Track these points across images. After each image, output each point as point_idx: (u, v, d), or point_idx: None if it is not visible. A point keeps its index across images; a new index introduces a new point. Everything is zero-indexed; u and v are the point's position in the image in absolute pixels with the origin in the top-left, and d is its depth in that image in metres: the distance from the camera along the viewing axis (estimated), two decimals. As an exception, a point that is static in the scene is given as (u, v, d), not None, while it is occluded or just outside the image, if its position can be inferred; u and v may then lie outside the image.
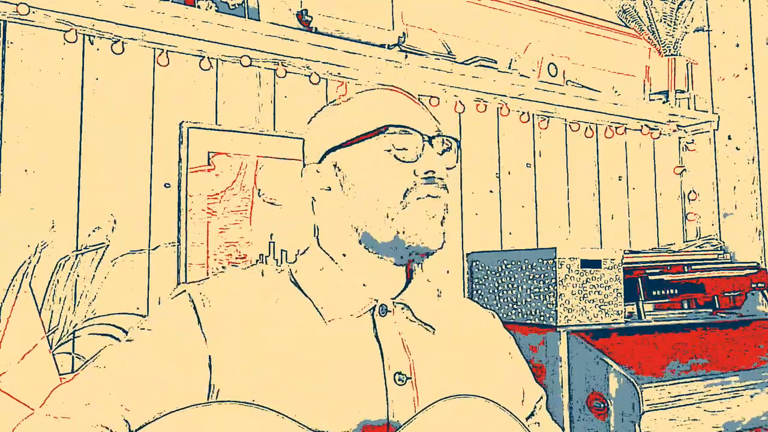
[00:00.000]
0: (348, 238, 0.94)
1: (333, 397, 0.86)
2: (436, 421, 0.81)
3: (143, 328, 0.90)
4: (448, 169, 0.96)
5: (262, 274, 0.96)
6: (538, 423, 1.06)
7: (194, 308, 0.89)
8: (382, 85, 1.04)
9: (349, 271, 0.95)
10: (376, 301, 0.94)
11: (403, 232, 0.91)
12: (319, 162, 0.96)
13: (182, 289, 0.92)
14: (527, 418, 1.04)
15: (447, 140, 0.96)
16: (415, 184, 0.91)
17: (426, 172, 0.91)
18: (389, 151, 0.92)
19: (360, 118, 0.95)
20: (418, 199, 0.91)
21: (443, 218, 0.94)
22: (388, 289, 0.96)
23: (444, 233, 0.94)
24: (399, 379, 0.89)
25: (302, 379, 0.87)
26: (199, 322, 0.88)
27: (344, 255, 0.95)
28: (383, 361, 0.90)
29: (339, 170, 0.94)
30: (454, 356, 0.97)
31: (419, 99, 1.02)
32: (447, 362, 0.96)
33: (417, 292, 0.98)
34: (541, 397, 1.08)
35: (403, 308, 0.95)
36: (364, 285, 0.94)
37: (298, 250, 1.03)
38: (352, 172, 0.93)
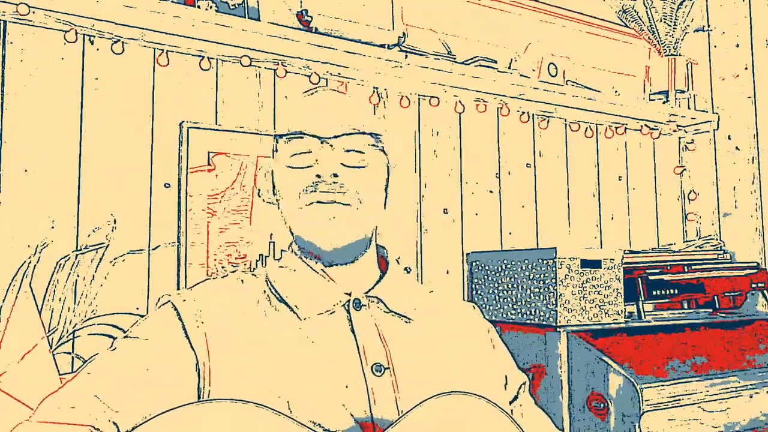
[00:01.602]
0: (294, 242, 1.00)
1: (315, 393, 0.88)
2: (425, 419, 0.81)
3: (129, 336, 0.91)
4: (355, 167, 0.95)
5: (242, 282, 0.99)
6: (522, 405, 1.07)
7: (179, 316, 0.91)
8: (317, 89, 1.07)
9: (318, 269, 0.98)
10: (350, 295, 0.97)
11: (303, 233, 0.97)
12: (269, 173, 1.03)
13: (166, 299, 0.94)
14: (511, 402, 1.06)
15: (352, 139, 0.96)
16: (305, 189, 0.94)
17: (316, 176, 0.93)
18: (284, 158, 0.97)
19: (277, 128, 1.02)
20: (308, 204, 0.94)
21: (375, 228, 0.98)
22: (362, 283, 0.98)
23: (345, 236, 0.95)
24: (376, 370, 0.91)
25: (286, 379, 0.88)
26: (184, 329, 0.90)
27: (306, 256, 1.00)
28: (359, 353, 0.92)
29: (272, 178, 1.01)
30: (431, 344, 0.99)
31: (342, 93, 1.04)
32: (424, 351, 0.98)
33: (391, 285, 1.00)
34: (524, 382, 1.10)
35: (377, 302, 0.98)
36: (334, 281, 0.97)
37: (281, 254, 1.06)
38: (275, 180, 1.01)
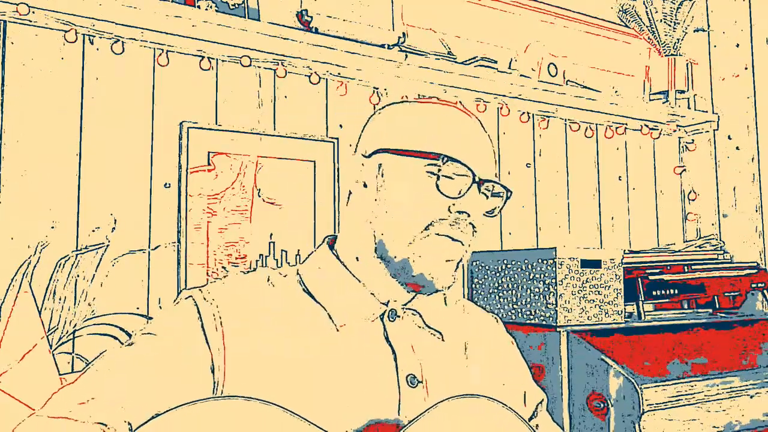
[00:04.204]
0: (365, 241, 0.94)
1: (345, 400, 0.87)
2: (441, 420, 0.81)
3: (146, 333, 0.89)
4: (487, 215, 0.95)
5: (268, 279, 0.95)
6: (538, 425, 1.07)
7: (198, 313, 0.88)
8: (443, 101, 1.02)
9: (361, 277, 0.95)
10: (386, 305, 0.95)
11: (415, 260, 0.91)
12: (368, 156, 0.95)
13: (187, 294, 0.92)
14: (529, 420, 1.06)
15: (496, 187, 0.95)
16: (443, 220, 0.90)
17: (459, 213, 0.90)
18: (434, 176, 0.90)
19: (422, 133, 0.94)
20: (438, 235, 0.90)
21: (460, 262, 0.94)
22: (399, 296, 0.96)
23: (454, 276, 0.93)
24: (411, 382, 0.90)
25: (313, 384, 0.87)
26: (202, 327, 0.88)
27: (357, 259, 0.95)
28: (396, 363, 0.91)
29: (381, 173, 0.93)
30: (460, 361, 0.99)
31: (488, 133, 0.99)
32: (454, 366, 0.97)
33: (426, 300, 0.99)
34: (542, 400, 1.09)
35: (413, 314, 0.96)
36: (373, 294, 0.95)
37: (297, 253, 1.03)
38: (391, 180, 0.93)
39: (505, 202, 0.96)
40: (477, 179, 0.91)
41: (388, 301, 0.95)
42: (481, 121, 0.99)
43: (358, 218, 0.95)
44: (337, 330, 0.91)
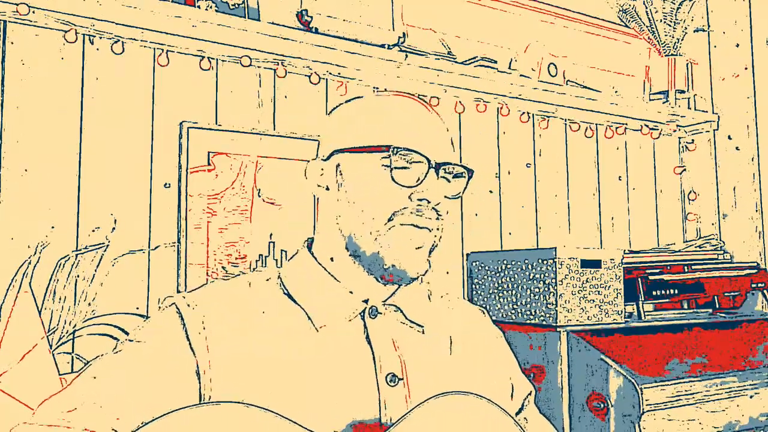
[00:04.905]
0: (337, 241, 0.95)
1: (325, 401, 0.87)
2: (427, 419, 0.81)
3: (132, 340, 0.90)
4: (451, 197, 0.95)
5: (250, 285, 0.96)
6: (527, 418, 1.07)
7: (181, 319, 0.89)
8: (398, 92, 1.02)
9: (338, 276, 0.95)
10: (366, 303, 0.95)
11: (385, 253, 0.91)
12: (327, 159, 0.96)
13: (170, 300, 0.92)
14: (516, 413, 1.06)
15: (455, 169, 0.95)
16: (405, 209, 0.90)
17: (420, 201, 0.90)
18: (388, 168, 0.90)
19: (372, 128, 0.94)
20: (402, 225, 0.91)
21: (433, 247, 0.94)
22: (379, 292, 0.96)
23: (429, 261, 0.94)
24: (391, 380, 0.90)
25: (294, 385, 0.87)
26: (186, 333, 0.88)
27: (332, 259, 0.96)
28: (375, 362, 0.91)
29: (340, 173, 0.94)
30: (443, 355, 0.98)
31: (441, 117, 0.99)
32: (438, 362, 0.97)
33: (408, 294, 0.99)
34: (530, 393, 1.09)
35: (395, 310, 0.96)
36: (352, 292, 0.95)
37: (296, 253, 1.02)
38: (350, 178, 0.93)
39: (467, 183, 0.96)
40: (433, 164, 0.91)
41: (368, 299, 0.95)
42: (432, 106, 0.99)
43: (328, 220, 0.96)
44: (317, 331, 0.91)
